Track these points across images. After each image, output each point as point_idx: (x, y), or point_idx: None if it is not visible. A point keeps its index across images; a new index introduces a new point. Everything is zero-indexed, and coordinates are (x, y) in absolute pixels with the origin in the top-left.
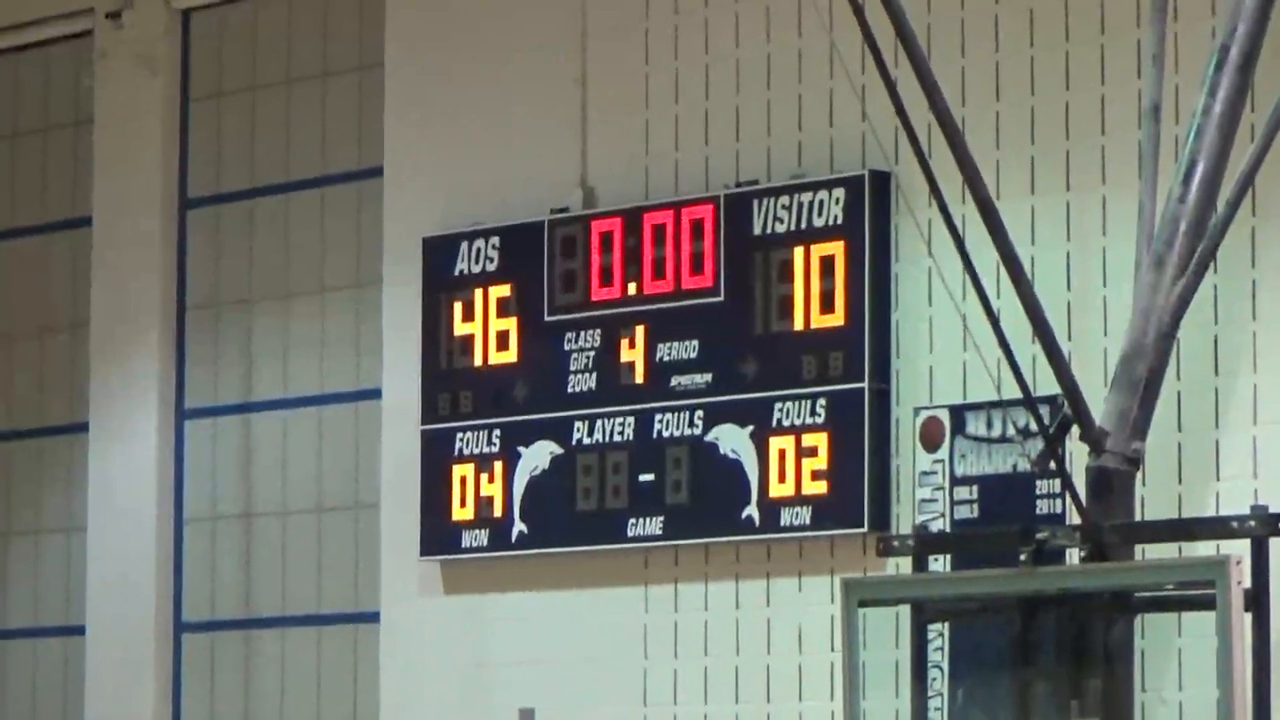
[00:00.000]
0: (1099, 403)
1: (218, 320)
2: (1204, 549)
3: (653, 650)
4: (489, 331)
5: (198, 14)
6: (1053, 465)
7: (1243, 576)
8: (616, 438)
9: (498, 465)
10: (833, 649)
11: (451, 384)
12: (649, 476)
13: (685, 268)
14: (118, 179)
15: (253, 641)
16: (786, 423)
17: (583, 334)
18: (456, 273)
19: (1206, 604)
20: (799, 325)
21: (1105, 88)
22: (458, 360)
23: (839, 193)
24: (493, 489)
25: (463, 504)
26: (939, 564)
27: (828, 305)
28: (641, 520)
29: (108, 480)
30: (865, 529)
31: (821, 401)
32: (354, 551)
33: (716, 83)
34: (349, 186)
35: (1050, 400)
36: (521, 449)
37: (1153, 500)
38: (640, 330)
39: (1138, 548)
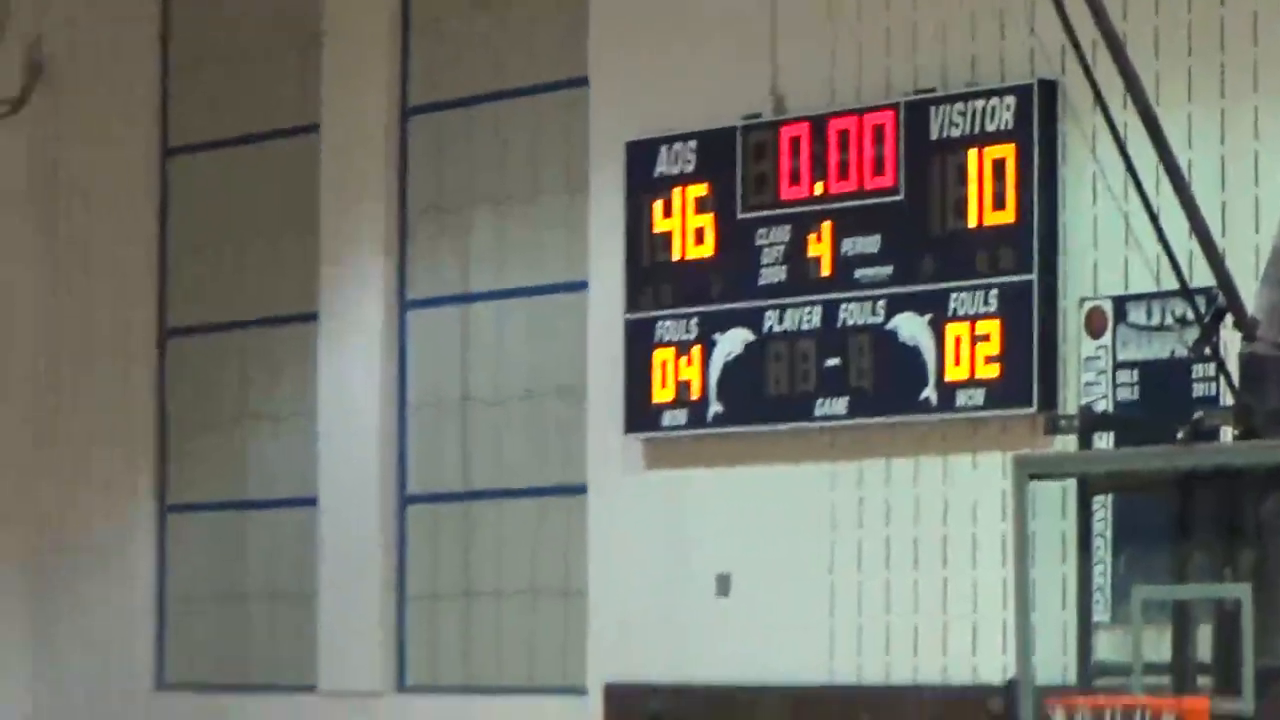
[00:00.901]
0: (1251, 294)
1: (438, 218)
2: None
3: (839, 522)
4: (687, 228)
5: None
6: (1208, 351)
7: None
8: (805, 326)
9: (695, 350)
10: (1004, 520)
11: (653, 276)
12: (835, 361)
13: (868, 169)
14: (344, 88)
15: (472, 512)
16: (961, 311)
17: (773, 230)
18: (657, 174)
19: None
20: (973, 222)
21: (1258, 3)
22: (658, 255)
23: (1010, 100)
24: (690, 372)
25: (663, 385)
26: (1103, 441)
27: (999, 204)
28: (828, 401)
29: (337, 366)
30: (1034, 409)
31: (994, 292)
32: (564, 430)
33: None
34: (558, 95)
35: (1206, 291)
36: (717, 336)
37: None
38: (826, 227)
39: None
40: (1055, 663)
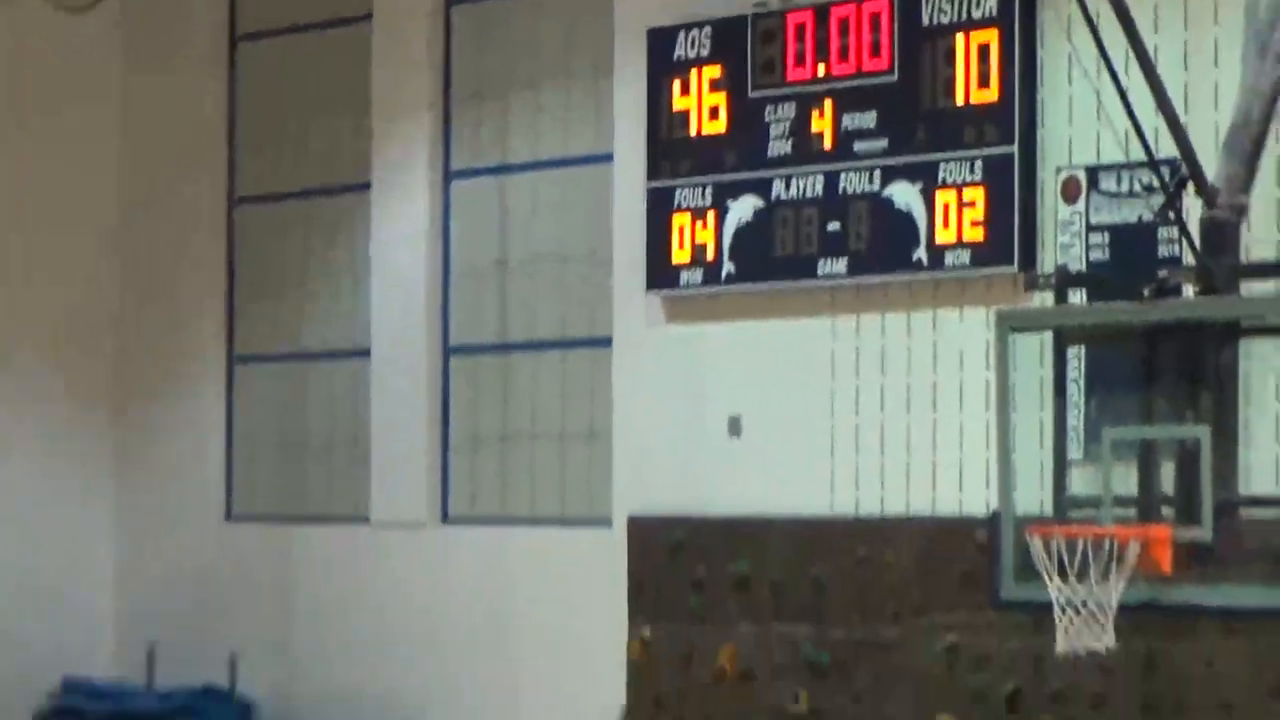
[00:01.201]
0: (1211, 164)
1: (479, 97)
2: None
3: (839, 370)
4: (702, 106)
5: None
6: (1172, 216)
7: None
8: (808, 193)
9: (710, 216)
10: (987, 369)
11: (671, 149)
12: (835, 225)
13: (865, 53)
14: None
15: (508, 363)
16: (950, 180)
17: (780, 107)
18: (675, 58)
19: None
20: (960, 100)
21: None
22: (676, 130)
23: None
24: (706, 235)
25: (681, 247)
26: (1077, 297)
27: (984, 83)
28: (829, 261)
29: (387, 231)
30: (1015, 268)
31: (979, 163)
32: (591, 288)
33: None
34: None
35: (1170, 162)
36: (730, 202)
37: (1256, 245)
38: (828, 104)
39: (1243, 284)
40: (1033, 496)
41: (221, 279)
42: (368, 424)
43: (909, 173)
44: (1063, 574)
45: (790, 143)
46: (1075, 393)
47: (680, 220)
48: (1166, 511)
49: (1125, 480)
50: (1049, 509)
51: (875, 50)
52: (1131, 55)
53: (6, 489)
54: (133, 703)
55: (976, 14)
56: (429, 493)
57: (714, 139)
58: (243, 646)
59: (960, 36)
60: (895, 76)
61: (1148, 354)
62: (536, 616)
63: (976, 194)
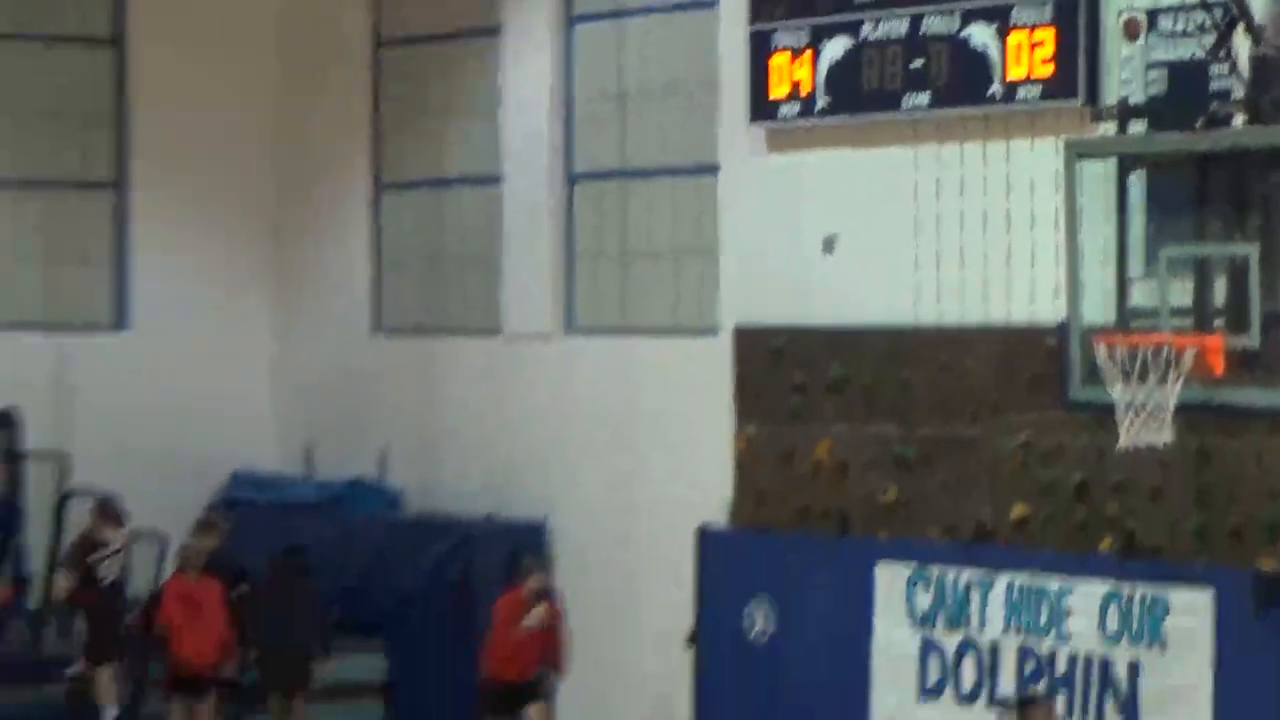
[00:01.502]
0: (1260, 5)
1: None
2: None
3: (921, 195)
4: None
5: None
6: (1224, 54)
7: None
8: (894, 35)
9: (806, 55)
10: (1056, 193)
11: None
12: (918, 63)
13: None
14: None
15: (626, 188)
16: (1022, 22)
17: None
18: None
19: None
20: None
21: None
22: None
23: None
24: (802, 73)
25: (780, 83)
26: (1137, 128)
27: None
28: (913, 96)
29: (517, 70)
30: (1081, 102)
31: (1048, 6)
32: (700, 120)
33: None
34: None
35: (1222, 4)
36: (824, 42)
37: None
38: None
39: None
40: (1098, 308)
41: (368, 113)
42: (500, 244)
43: (985, 15)
44: (1125, 377)
45: None
46: (1136, 214)
47: (779, 59)
48: (1218, 321)
49: (1181, 294)
50: (1113, 319)
51: None
52: None
53: (177, 305)
54: (294, 493)
55: None
56: (555, 307)
57: None
58: (390, 444)
59: None
60: None
61: (1201, 179)
62: (651, 417)
63: (1046, 34)
